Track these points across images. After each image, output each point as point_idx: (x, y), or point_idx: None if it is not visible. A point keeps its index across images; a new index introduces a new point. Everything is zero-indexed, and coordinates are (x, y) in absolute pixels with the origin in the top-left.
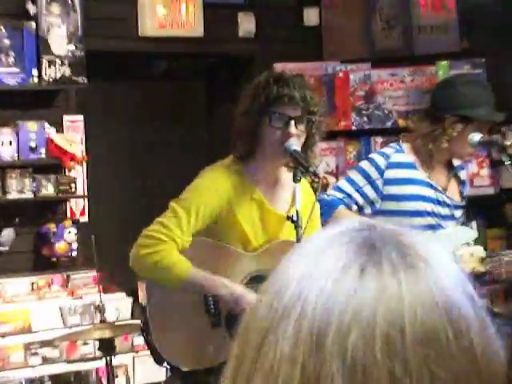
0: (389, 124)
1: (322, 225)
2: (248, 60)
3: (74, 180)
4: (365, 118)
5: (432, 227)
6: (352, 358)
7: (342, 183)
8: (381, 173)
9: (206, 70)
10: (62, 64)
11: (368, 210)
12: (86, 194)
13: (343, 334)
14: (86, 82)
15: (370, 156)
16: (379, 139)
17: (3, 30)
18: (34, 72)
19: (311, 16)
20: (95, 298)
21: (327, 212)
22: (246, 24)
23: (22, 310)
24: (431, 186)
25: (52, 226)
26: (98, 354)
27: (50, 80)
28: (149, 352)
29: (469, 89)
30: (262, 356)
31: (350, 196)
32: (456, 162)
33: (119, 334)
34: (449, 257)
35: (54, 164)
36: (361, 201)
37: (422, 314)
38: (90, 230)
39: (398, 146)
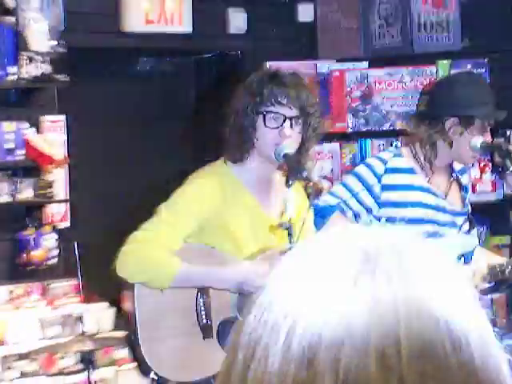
0: (386, 126)
1: (316, 232)
2: (238, 58)
3: (52, 183)
4: (361, 120)
5: (431, 235)
6: (345, 373)
7: (337, 188)
8: (378, 178)
9: (195, 68)
10: (42, 61)
11: (364, 217)
12: (67, 198)
13: (336, 347)
14: (67, 79)
15: (366, 160)
16: (376, 142)
17: None
18: (13, 69)
19: (305, 12)
20: (76, 308)
21: (321, 219)
22: (237, 20)
23: None
24: (431, 192)
25: (30, 232)
26: (79, 367)
27: (30, 78)
28: (132, 365)
29: (468, 88)
30: (251, 371)
31: (345, 202)
32: (457, 166)
33: (101, 346)
34: (447, 265)
35: (32, 167)
36: (357, 207)
37: (419, 326)
38: (71, 236)
39: (395, 149)
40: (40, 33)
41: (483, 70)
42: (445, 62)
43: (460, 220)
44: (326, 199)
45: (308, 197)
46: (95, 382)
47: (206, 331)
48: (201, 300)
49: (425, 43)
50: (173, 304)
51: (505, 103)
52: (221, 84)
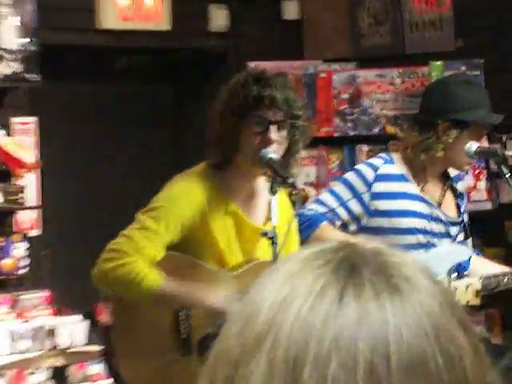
0: (376, 130)
1: (302, 242)
2: (220, 57)
3: (22, 189)
4: (349, 124)
5: (424, 246)
6: None
7: (325, 196)
8: (368, 186)
9: (174, 68)
10: (13, 59)
11: (353, 227)
12: (39, 203)
13: (322, 363)
14: (39, 79)
15: (356, 167)
16: (365, 147)
17: None
18: None
19: (290, 9)
20: (47, 321)
21: (308, 228)
22: (219, 17)
23: None
24: (424, 201)
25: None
26: (50, 383)
27: None
28: (108, 382)
29: (463, 90)
30: None
31: (333, 211)
32: (452, 173)
33: (74, 361)
34: (437, 278)
35: (2, 171)
36: (345, 216)
37: (409, 339)
38: (43, 245)
39: (387, 155)
40: (11, 29)
41: (478, 72)
42: (438, 62)
43: (454, 230)
44: (312, 207)
45: (293, 204)
46: None
47: (185, 346)
48: (181, 314)
49: (417, 43)
50: (152, 317)
51: (500, 106)
52: (201, 85)
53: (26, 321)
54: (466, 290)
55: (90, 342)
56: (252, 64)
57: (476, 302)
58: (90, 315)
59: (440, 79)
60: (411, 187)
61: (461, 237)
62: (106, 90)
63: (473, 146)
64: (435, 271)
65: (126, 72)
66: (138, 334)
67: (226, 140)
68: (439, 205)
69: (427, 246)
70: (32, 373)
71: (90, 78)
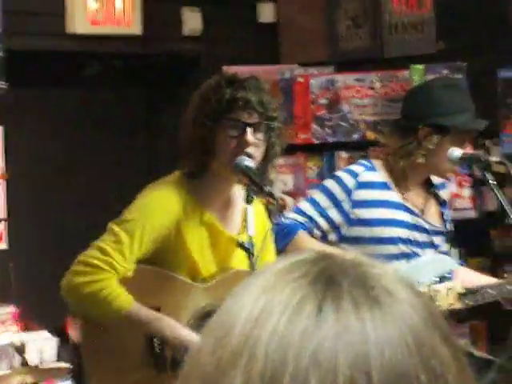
0: (355, 137)
1: (279, 252)
2: (193, 62)
3: None
4: (327, 130)
5: (406, 256)
6: None
7: (303, 205)
8: (348, 193)
9: (147, 72)
10: None
11: (333, 236)
12: (4, 216)
13: (301, 379)
14: (5, 86)
15: (335, 174)
16: (344, 154)
17: None
18: None
19: (266, 12)
20: (14, 337)
21: (284, 238)
22: (192, 21)
23: None
24: (407, 209)
25: None
26: None
27: None
28: None
29: (445, 94)
30: None
31: (311, 219)
32: (436, 180)
33: (43, 379)
34: (419, 290)
35: None
36: (325, 225)
37: (390, 354)
38: (8, 258)
39: (368, 162)
40: None
41: (461, 75)
42: (419, 66)
43: (438, 239)
44: (290, 216)
45: (270, 214)
46: None
47: (159, 362)
48: None
49: (397, 46)
50: (123, 332)
51: (484, 111)
52: (175, 89)
53: None
54: (448, 294)
55: (60, 358)
56: (227, 68)
57: (458, 305)
58: (59, 331)
59: (422, 83)
60: (393, 195)
61: (445, 246)
62: (76, 97)
63: (455, 152)
64: (418, 282)
65: (97, 77)
66: (110, 349)
67: (201, 146)
68: (422, 213)
69: (410, 255)
70: None
71: (59, 85)
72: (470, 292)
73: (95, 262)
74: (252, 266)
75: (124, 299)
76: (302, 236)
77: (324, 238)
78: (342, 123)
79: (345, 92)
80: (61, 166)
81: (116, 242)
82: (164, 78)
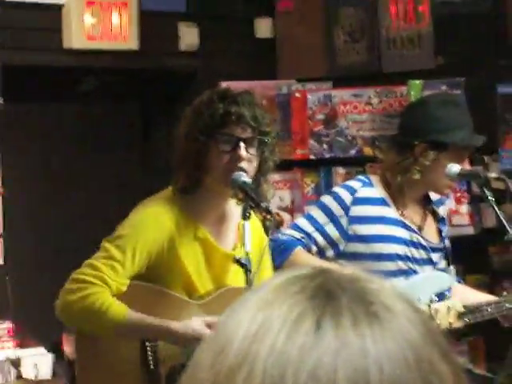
0: (352, 152)
1: (276, 268)
2: (190, 77)
3: None
4: (325, 146)
5: (404, 273)
6: None
7: (301, 221)
8: (346, 209)
9: (142, 88)
10: None
11: (330, 252)
12: (0, 231)
13: None
14: (1, 101)
15: (332, 190)
16: (341, 170)
17: None
18: None
19: (263, 27)
20: (10, 353)
21: (282, 254)
22: (188, 36)
23: None
24: (404, 226)
25: None
26: None
27: None
28: None
29: (442, 110)
30: None
31: (309, 236)
32: (434, 197)
33: None
34: (417, 306)
35: None
36: (322, 241)
37: (389, 370)
38: (4, 274)
39: (365, 178)
40: None
41: (459, 91)
42: (417, 81)
43: (436, 256)
44: (287, 233)
45: (267, 230)
46: None
47: (153, 379)
48: (148, 344)
49: (394, 61)
50: (117, 348)
51: (482, 126)
52: (171, 104)
53: None
54: (448, 312)
55: (55, 374)
56: (223, 83)
57: (458, 324)
58: (55, 347)
59: (420, 98)
60: (391, 211)
61: (443, 263)
62: (72, 111)
63: (454, 168)
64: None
65: (94, 92)
66: (104, 365)
67: (194, 161)
68: (420, 230)
69: (408, 272)
70: None
71: (56, 99)
72: (469, 311)
73: (87, 278)
74: (249, 282)
75: (117, 308)
76: (300, 252)
77: (321, 254)
78: (340, 139)
79: (342, 107)
80: (57, 181)
81: (107, 258)
82: (161, 93)
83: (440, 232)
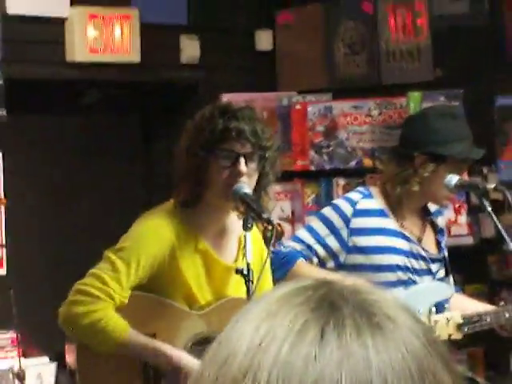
0: (353, 164)
1: (278, 280)
2: (191, 89)
3: None
4: (325, 157)
5: (404, 283)
6: None
7: (301, 233)
8: (346, 221)
9: (144, 101)
10: None
11: (331, 264)
12: (3, 242)
13: None
14: (4, 114)
15: (333, 202)
16: (342, 181)
17: None
18: None
19: (264, 40)
20: (14, 362)
21: (284, 266)
22: (190, 48)
23: None
24: (404, 237)
25: None
26: None
27: None
28: None
29: (441, 122)
30: None
31: (309, 247)
32: (432, 208)
33: None
34: (418, 317)
35: None
36: (323, 253)
37: (393, 381)
38: (7, 284)
39: (365, 190)
40: None
41: (457, 102)
42: (416, 93)
43: (435, 266)
44: (289, 245)
45: (267, 241)
46: None
47: None
48: None
49: (394, 73)
50: (118, 360)
51: (481, 138)
52: (173, 117)
53: None
54: (447, 324)
55: None
56: (224, 96)
57: (458, 335)
58: (58, 357)
59: (421, 111)
60: (390, 223)
61: (442, 273)
62: (75, 124)
63: (453, 179)
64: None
65: (96, 105)
66: (105, 375)
67: (194, 176)
68: (419, 241)
69: (408, 283)
70: None
71: (58, 112)
72: (468, 321)
73: (93, 291)
74: (250, 293)
75: (121, 328)
76: (302, 264)
77: (322, 265)
78: (340, 150)
79: (342, 119)
80: (60, 192)
81: (113, 271)
82: (162, 106)
83: (439, 243)
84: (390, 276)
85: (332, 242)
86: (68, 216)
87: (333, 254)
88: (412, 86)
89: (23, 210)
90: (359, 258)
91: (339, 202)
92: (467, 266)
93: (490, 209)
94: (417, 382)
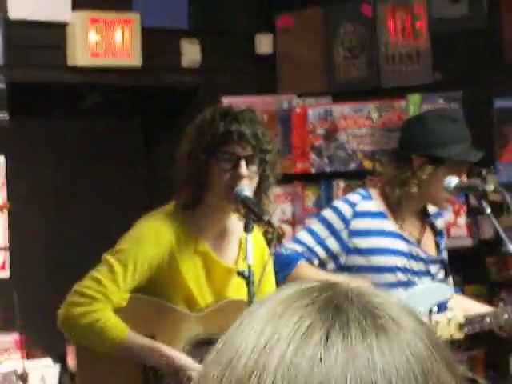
0: (353, 166)
1: (280, 282)
2: (192, 93)
3: None
4: (325, 160)
5: (403, 284)
6: None
7: (302, 235)
8: (346, 223)
9: (145, 105)
10: None
11: (331, 266)
12: (6, 245)
13: None
14: (7, 117)
15: (333, 204)
16: (342, 183)
17: None
18: None
19: (264, 43)
20: (17, 364)
21: (285, 268)
22: (190, 52)
23: None
24: (403, 238)
25: None
26: None
27: None
28: None
29: (441, 125)
30: None
31: (310, 249)
32: (432, 209)
33: None
34: (421, 319)
35: None
36: (323, 255)
37: (397, 383)
38: (11, 286)
39: (364, 191)
40: None
41: (457, 105)
42: (415, 96)
43: (434, 268)
44: (290, 247)
45: (269, 243)
46: None
47: None
48: None
49: (393, 76)
50: (118, 363)
51: (480, 140)
52: (174, 120)
53: None
54: (449, 324)
55: None
56: (225, 99)
57: (459, 335)
58: (61, 359)
59: (420, 114)
60: (390, 224)
61: (441, 275)
62: (76, 128)
63: (452, 180)
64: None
65: (98, 109)
66: (103, 378)
67: (196, 179)
68: (418, 242)
69: (407, 284)
70: None
71: (60, 116)
72: (469, 321)
73: (90, 292)
74: (252, 295)
75: (119, 329)
76: (303, 266)
77: (323, 267)
78: (340, 153)
79: (342, 122)
80: (62, 196)
81: (110, 272)
82: (163, 109)
83: (438, 244)
84: (390, 277)
85: (332, 244)
86: (70, 219)
87: (333, 256)
88: (411, 88)
89: (26, 213)
90: (359, 260)
91: (339, 203)
92: (466, 268)
93: (489, 210)
94: (420, 379)
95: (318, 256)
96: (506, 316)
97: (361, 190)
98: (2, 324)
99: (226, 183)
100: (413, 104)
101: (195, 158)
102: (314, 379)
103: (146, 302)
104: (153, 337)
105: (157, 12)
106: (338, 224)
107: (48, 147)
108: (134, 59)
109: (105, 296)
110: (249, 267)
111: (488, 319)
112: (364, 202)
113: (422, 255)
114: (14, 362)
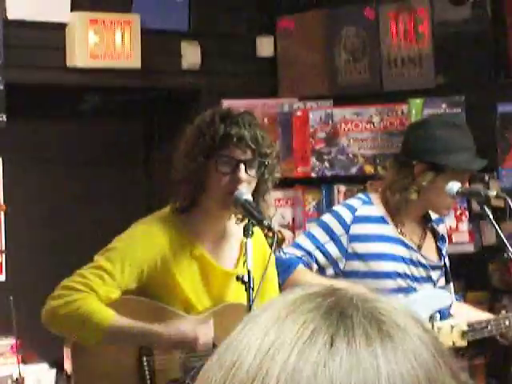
0: (354, 170)
1: (279, 286)
2: (192, 95)
3: None
4: (326, 164)
5: (403, 290)
6: None
7: (302, 239)
8: (346, 228)
9: (144, 107)
10: None
11: (330, 271)
12: (2, 248)
13: None
14: (4, 119)
15: (333, 208)
16: (343, 188)
17: None
18: None
19: (265, 46)
20: (13, 369)
21: (284, 273)
22: (191, 54)
23: None
24: (403, 244)
25: None
26: None
27: None
28: None
29: (443, 131)
30: None
31: (310, 254)
32: (433, 215)
33: None
34: (426, 326)
35: None
36: (322, 260)
37: None
38: (6, 290)
39: (365, 196)
40: None
41: (459, 109)
42: (417, 100)
43: (435, 274)
44: (288, 251)
45: (269, 247)
46: None
47: None
48: (144, 359)
49: (395, 80)
50: (114, 364)
51: (482, 145)
52: (174, 123)
53: None
54: (452, 331)
55: None
56: (225, 102)
57: (461, 343)
58: (58, 363)
59: (424, 119)
60: (390, 229)
61: (442, 281)
62: (75, 130)
63: (455, 186)
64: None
65: (96, 111)
66: (100, 379)
67: (193, 181)
68: (419, 248)
69: (407, 290)
70: None
71: (57, 119)
72: (473, 329)
73: (73, 284)
74: (250, 300)
75: (104, 314)
76: (302, 270)
77: (322, 272)
78: (341, 157)
79: (343, 126)
80: (59, 199)
81: (95, 268)
82: (163, 112)
83: (439, 250)
84: (390, 283)
85: (332, 249)
86: (67, 222)
87: (332, 261)
88: (413, 92)
89: (22, 216)
90: (358, 265)
91: (339, 208)
92: (468, 274)
93: (491, 216)
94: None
95: (317, 261)
96: (507, 323)
97: (361, 195)
98: None
99: (224, 187)
100: (415, 108)
101: (193, 159)
102: (320, 382)
103: (144, 304)
104: None
105: (157, 14)
106: (337, 229)
107: (46, 149)
108: (134, 61)
109: (86, 286)
110: (248, 272)
111: (490, 326)
112: (364, 207)
113: (423, 261)
114: (10, 366)
